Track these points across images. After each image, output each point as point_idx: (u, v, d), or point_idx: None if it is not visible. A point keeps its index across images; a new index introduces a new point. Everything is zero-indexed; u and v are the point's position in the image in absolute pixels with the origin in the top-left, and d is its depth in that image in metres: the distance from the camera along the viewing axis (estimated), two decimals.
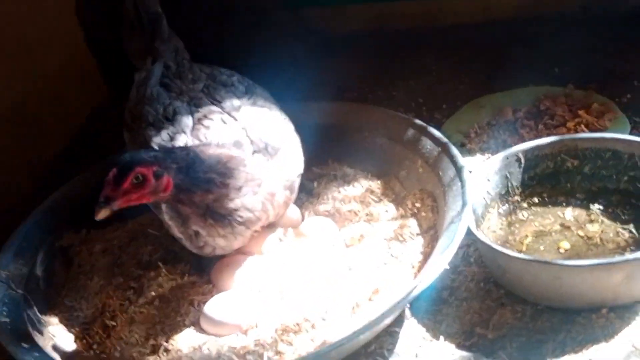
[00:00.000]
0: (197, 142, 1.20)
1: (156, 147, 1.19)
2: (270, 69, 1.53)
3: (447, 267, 1.10)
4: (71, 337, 1.24)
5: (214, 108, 1.25)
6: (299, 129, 1.33)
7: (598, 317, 1.12)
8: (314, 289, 1.19)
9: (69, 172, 1.71)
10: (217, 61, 1.40)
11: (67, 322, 1.26)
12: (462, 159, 1.27)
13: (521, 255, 1.15)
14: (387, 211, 1.35)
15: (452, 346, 1.13)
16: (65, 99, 1.82)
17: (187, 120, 1.23)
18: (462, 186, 1.22)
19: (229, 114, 1.24)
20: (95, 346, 1.22)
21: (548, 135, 1.47)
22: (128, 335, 1.20)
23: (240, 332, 1.16)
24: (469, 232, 1.22)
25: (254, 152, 1.21)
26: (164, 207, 1.22)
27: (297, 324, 1.13)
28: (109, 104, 1.92)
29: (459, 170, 1.25)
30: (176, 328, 1.19)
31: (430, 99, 1.73)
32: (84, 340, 1.23)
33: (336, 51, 1.92)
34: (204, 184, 1.13)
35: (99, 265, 1.35)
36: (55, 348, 1.20)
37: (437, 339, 1.15)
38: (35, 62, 1.72)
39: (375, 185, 1.41)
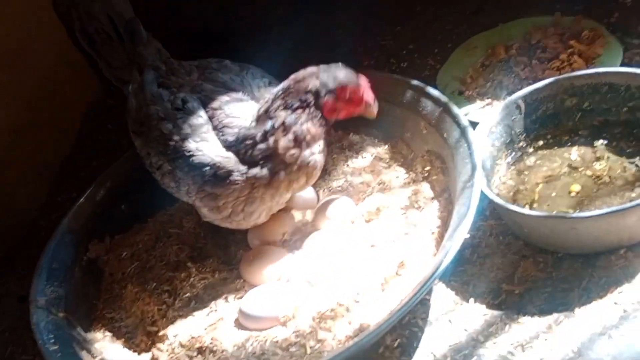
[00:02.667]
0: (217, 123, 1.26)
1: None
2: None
3: (467, 235, 1.13)
4: (118, 348, 1.29)
5: (220, 89, 1.30)
6: None
7: (617, 259, 1.16)
8: (341, 271, 1.23)
9: (78, 174, 1.76)
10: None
11: (112, 335, 1.31)
12: (464, 119, 1.29)
13: (536, 213, 1.18)
14: (398, 177, 1.38)
15: (483, 307, 1.18)
16: (62, 99, 1.83)
17: (198, 106, 1.28)
18: (469, 148, 1.24)
19: (235, 90, 1.30)
20: (143, 354, 1.27)
21: (542, 70, 1.49)
22: (173, 340, 1.25)
23: (278, 324, 1.21)
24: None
25: None
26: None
27: (332, 310, 1.17)
28: (104, 96, 1.92)
29: (463, 130, 1.27)
30: (217, 328, 1.24)
31: (420, 44, 1.74)
32: (132, 350, 1.28)
33: (315, 8, 1.91)
34: None
35: (130, 272, 1.39)
36: None
37: (467, 301, 1.20)
38: (25, 68, 1.72)
39: (383, 150, 1.44)
